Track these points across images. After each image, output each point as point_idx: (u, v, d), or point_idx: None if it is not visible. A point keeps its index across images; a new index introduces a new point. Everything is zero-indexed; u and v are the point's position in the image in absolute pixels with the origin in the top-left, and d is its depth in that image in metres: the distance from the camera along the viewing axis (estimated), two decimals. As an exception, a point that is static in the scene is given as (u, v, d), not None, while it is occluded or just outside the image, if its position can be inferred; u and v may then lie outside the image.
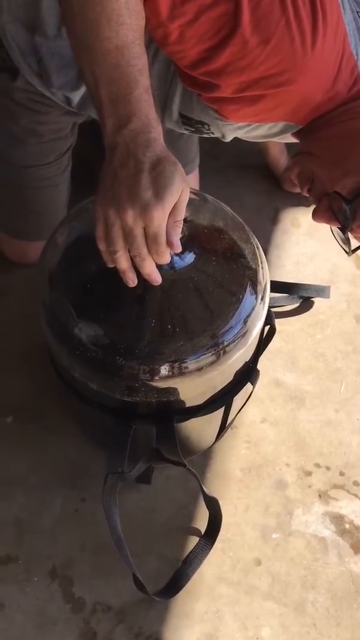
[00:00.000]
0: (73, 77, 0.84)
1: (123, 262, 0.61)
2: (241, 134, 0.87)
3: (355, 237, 0.77)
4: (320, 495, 0.95)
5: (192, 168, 1.15)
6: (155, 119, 0.60)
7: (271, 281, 1.10)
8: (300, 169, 0.81)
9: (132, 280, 0.63)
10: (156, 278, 0.63)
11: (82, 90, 0.86)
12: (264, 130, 0.84)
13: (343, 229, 0.76)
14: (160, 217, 0.57)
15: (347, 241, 0.77)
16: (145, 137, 0.58)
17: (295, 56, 0.68)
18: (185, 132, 0.90)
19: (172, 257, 0.64)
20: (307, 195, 0.83)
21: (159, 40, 0.70)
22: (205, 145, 1.30)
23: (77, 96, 0.87)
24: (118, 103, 0.59)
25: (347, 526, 0.92)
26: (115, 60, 0.59)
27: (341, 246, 0.80)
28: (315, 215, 0.79)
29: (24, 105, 0.91)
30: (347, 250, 0.78)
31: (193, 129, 0.88)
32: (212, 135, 0.90)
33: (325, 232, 1.22)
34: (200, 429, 0.86)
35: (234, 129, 0.84)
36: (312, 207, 0.81)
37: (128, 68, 0.59)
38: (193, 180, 1.17)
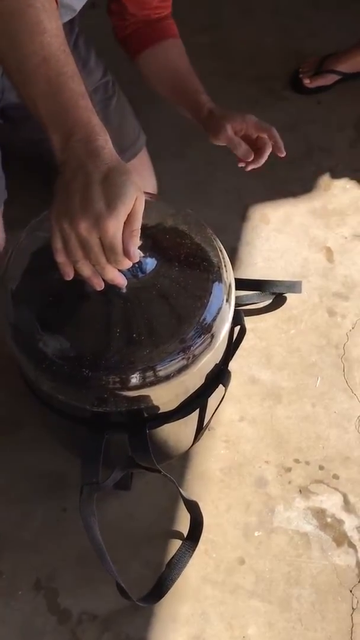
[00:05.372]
0: None
1: (85, 270, 0.62)
2: None
3: None
4: (300, 491, 0.95)
5: (135, 151, 1.10)
6: (98, 125, 0.59)
7: (242, 279, 1.11)
8: None
9: (98, 285, 0.63)
10: (120, 281, 0.63)
11: None
12: None
13: None
14: (114, 228, 0.56)
15: None
16: (92, 145, 0.57)
17: None
18: None
19: (133, 265, 0.64)
20: None
21: None
22: (171, 147, 1.30)
23: None
24: (58, 117, 0.58)
25: (328, 520, 0.93)
26: (45, 75, 0.59)
27: None
28: None
29: None
30: None
31: None
32: None
33: (294, 227, 1.23)
34: (176, 433, 0.86)
35: None
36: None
37: (59, 78, 0.59)
38: (141, 164, 1.11)
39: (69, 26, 1.01)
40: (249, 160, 0.90)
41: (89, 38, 1.09)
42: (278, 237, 1.20)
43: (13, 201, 1.25)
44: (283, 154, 0.92)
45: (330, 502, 0.94)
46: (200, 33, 1.56)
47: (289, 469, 0.97)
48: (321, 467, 0.97)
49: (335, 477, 0.96)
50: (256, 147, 0.91)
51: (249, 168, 0.91)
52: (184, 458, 0.97)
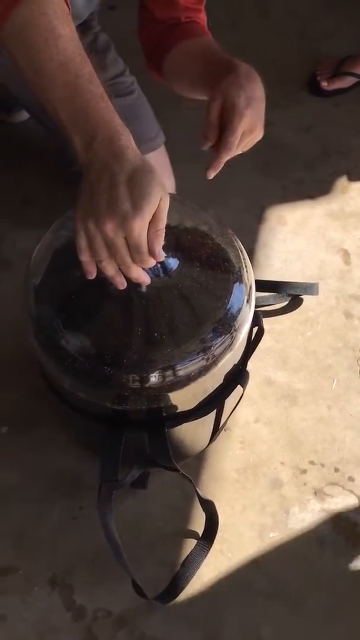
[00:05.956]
0: None
1: (110, 270, 0.62)
2: None
3: None
4: (315, 493, 0.95)
5: (153, 146, 1.09)
6: (120, 124, 0.60)
7: (259, 280, 1.11)
8: None
9: (121, 284, 0.64)
10: (145, 280, 0.64)
11: None
12: None
13: None
14: (140, 228, 0.57)
15: None
16: (115, 145, 0.58)
17: None
18: None
19: (156, 264, 0.65)
20: None
21: None
22: (188, 148, 1.30)
23: None
24: (79, 120, 0.59)
25: (343, 522, 0.93)
26: (63, 79, 0.60)
27: None
28: None
29: None
30: None
31: None
32: None
33: (311, 229, 1.23)
34: (193, 432, 0.86)
35: None
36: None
37: (77, 81, 0.60)
38: (160, 164, 1.09)
39: (81, 27, 1.01)
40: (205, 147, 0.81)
41: (108, 38, 1.09)
42: (295, 239, 1.20)
43: (32, 202, 1.27)
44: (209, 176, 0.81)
45: (346, 505, 0.94)
46: (217, 35, 1.56)
47: (304, 471, 0.97)
48: (336, 470, 0.97)
49: (351, 479, 0.96)
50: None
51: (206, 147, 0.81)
52: (200, 458, 0.97)
